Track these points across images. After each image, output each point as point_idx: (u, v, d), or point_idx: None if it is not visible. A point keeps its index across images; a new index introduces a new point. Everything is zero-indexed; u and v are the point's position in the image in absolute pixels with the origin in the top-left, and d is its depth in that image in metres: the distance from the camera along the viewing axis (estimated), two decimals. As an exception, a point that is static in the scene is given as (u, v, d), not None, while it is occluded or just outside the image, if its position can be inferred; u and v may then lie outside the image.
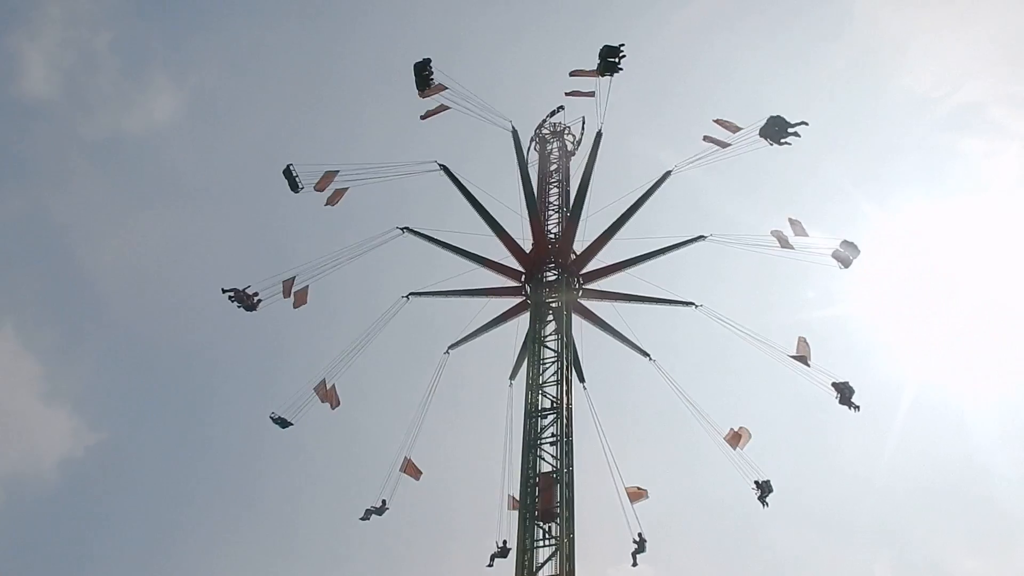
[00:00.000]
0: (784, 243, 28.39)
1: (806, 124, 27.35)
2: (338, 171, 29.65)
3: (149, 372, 66.64)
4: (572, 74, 30.01)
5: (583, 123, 33.35)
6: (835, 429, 57.18)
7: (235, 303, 28.91)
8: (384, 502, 29.91)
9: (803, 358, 27.68)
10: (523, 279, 29.52)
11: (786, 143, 27.52)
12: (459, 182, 30.00)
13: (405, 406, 30.81)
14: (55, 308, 65.73)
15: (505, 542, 28.11)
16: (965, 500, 53.40)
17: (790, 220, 28.54)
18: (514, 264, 29.59)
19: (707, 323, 28.79)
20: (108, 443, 63.63)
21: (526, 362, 27.51)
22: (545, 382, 26.75)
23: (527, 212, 30.02)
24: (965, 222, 56.69)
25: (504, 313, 29.91)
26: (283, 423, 29.34)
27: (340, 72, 73.18)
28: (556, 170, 32.54)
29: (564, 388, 26.30)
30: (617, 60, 28.49)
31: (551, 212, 31.16)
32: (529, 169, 31.70)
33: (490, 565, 28.38)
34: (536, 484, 24.28)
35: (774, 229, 28.50)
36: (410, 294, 30.09)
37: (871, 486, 52.16)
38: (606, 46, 28.46)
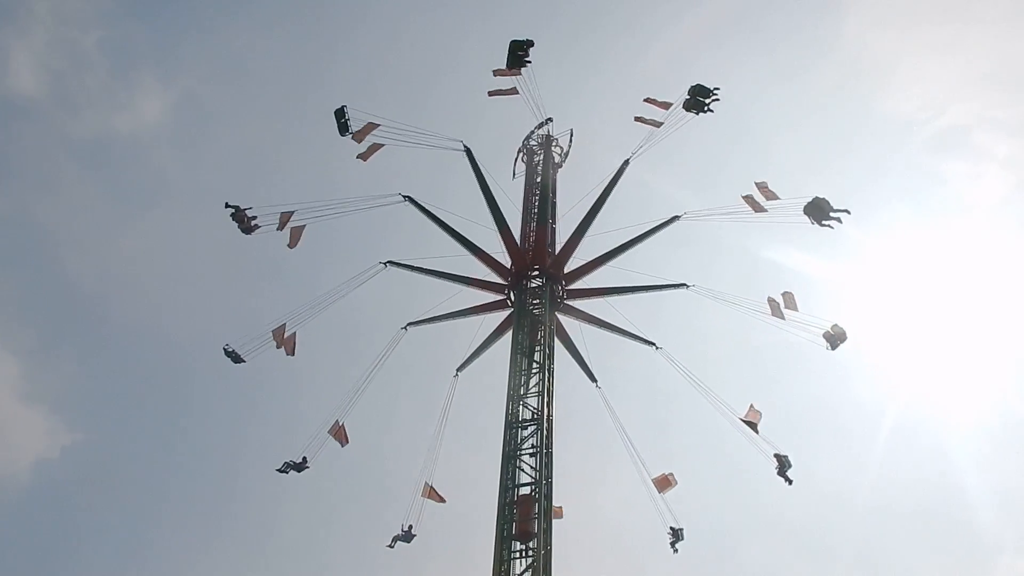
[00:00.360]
0: (776, 312, 28.65)
1: (848, 212, 27.13)
2: (379, 124, 29.60)
3: (128, 374, 66.06)
4: (646, 101, 29.78)
5: (571, 136, 33.58)
6: (815, 450, 57.27)
7: (234, 221, 28.76)
8: (305, 459, 29.73)
9: (753, 424, 28.03)
10: (507, 289, 29.51)
11: (827, 225, 27.28)
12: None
13: (355, 372, 30.63)
14: (35, 308, 65.13)
15: (411, 527, 29.12)
16: (942, 522, 53.80)
17: (783, 294, 28.82)
18: (496, 279, 29.63)
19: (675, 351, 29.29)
20: (84, 444, 63.11)
21: (508, 373, 27.33)
22: (527, 393, 26.70)
23: (521, 223, 30.45)
24: (947, 245, 57.23)
25: (479, 306, 29.92)
26: (235, 357, 29.03)
27: (331, 77, 73.15)
28: (538, 184, 32.55)
29: (546, 400, 26.27)
30: (707, 102, 28.25)
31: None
32: (517, 180, 32.34)
33: (390, 546, 29.13)
34: (515, 502, 24.00)
35: (769, 296, 28.82)
36: (388, 262, 29.86)
37: (852, 506, 52.37)
38: (699, 85, 28.19)
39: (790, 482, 27.95)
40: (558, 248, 30.05)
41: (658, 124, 29.51)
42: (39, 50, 67.10)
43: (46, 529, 57.48)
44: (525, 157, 33.28)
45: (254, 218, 28.98)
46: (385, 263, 29.84)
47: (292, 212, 29.12)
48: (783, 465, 27.97)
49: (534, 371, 27.12)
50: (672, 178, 30.74)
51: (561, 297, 29.52)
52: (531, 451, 25.34)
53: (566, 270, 29.66)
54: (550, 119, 33.70)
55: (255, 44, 74.02)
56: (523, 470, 25.07)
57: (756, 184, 28.97)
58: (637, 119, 29.78)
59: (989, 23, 64.76)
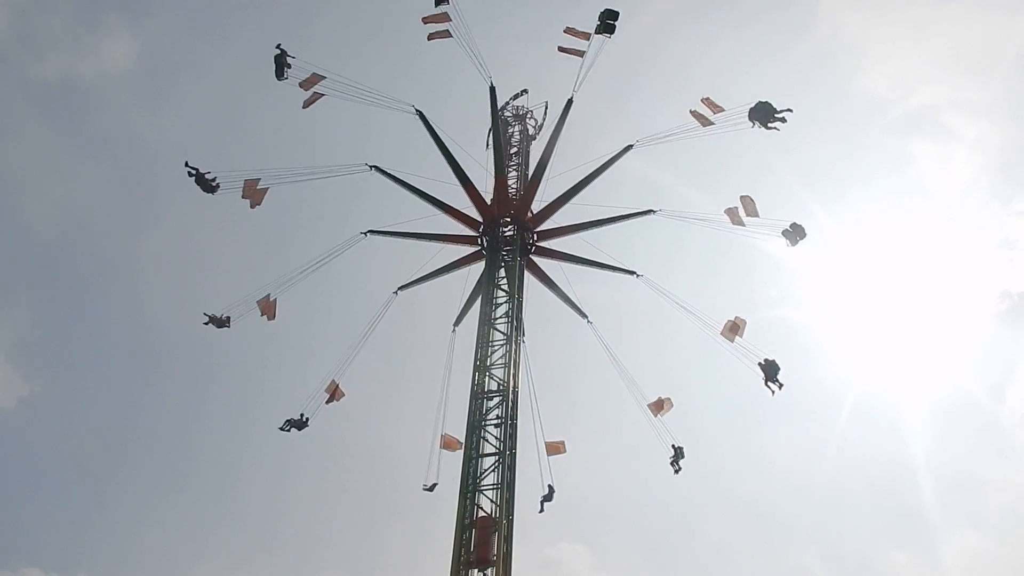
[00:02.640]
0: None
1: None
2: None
3: (88, 325, 65.18)
4: (703, 101, 29.48)
5: (546, 108, 33.58)
6: (776, 430, 58.44)
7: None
8: (228, 319, 30.04)
9: (660, 407, 28.89)
10: (480, 229, 30.01)
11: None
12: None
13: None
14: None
15: (306, 418, 29.78)
16: (894, 499, 55.16)
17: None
18: (475, 215, 30.02)
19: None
20: (43, 395, 62.41)
21: (475, 343, 27.57)
22: (493, 364, 26.93)
23: (494, 167, 30.71)
24: (912, 227, 58.03)
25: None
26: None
27: (305, 30, 71.65)
28: (516, 153, 32.61)
29: (511, 371, 26.51)
30: (775, 121, 28.29)
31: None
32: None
33: (283, 429, 29.64)
34: (474, 526, 23.71)
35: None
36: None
37: (809, 485, 53.50)
38: (767, 103, 28.18)
39: (678, 471, 28.65)
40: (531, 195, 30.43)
41: (708, 123, 29.29)
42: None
43: (2, 479, 56.99)
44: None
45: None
46: (371, 166, 30.05)
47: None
48: (677, 455, 28.70)
49: (501, 342, 27.36)
50: (648, 153, 30.90)
51: (532, 243, 30.08)
52: (496, 422, 25.61)
53: (533, 212, 30.20)
54: (525, 90, 33.76)
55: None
56: (487, 440, 25.38)
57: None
58: (692, 113, 29.40)
59: (959, 6, 65.34)
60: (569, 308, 30.46)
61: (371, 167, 30.13)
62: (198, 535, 57.96)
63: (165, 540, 55.15)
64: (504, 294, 28.55)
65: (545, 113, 33.55)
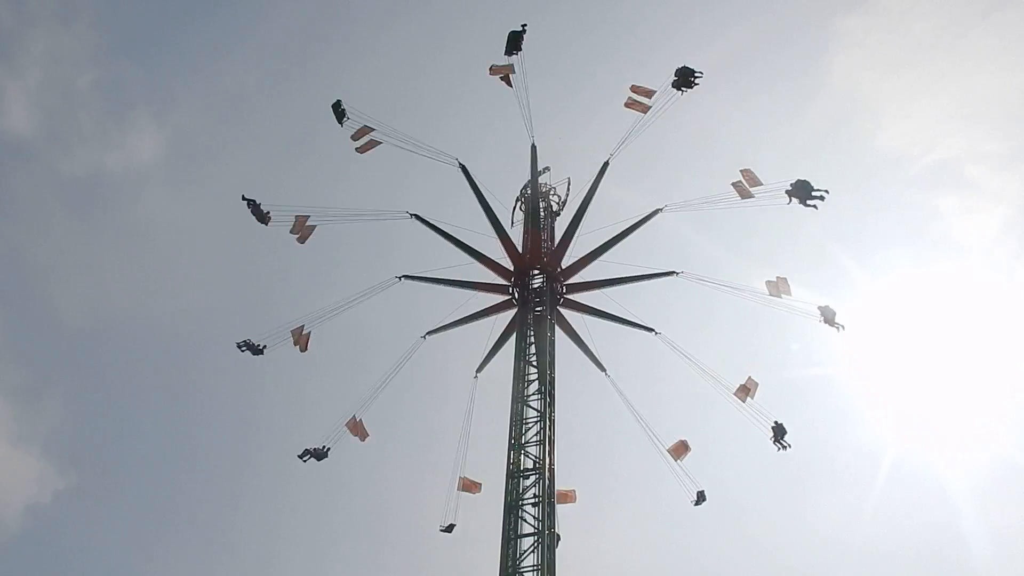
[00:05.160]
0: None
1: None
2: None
3: (121, 418, 65.63)
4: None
5: (568, 184, 33.98)
6: (812, 493, 57.06)
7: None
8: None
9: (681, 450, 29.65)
10: (512, 279, 30.90)
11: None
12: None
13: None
14: (26, 348, 64.71)
15: (328, 448, 31.26)
16: (942, 565, 53.23)
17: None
18: (508, 265, 31.11)
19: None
20: (77, 489, 62.43)
21: (508, 421, 27.48)
22: (528, 442, 26.77)
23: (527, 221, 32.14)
24: (944, 283, 57.28)
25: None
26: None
27: (326, 118, 73.28)
28: (542, 228, 32.93)
29: (547, 448, 26.35)
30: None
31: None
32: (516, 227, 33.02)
33: (302, 458, 31.18)
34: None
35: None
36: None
37: (848, 550, 52.00)
38: (805, 181, 28.89)
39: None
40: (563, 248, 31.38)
41: (748, 195, 30.02)
42: (33, 89, 67.74)
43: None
44: (524, 206, 33.62)
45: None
46: (411, 215, 31.65)
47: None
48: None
49: (535, 419, 27.23)
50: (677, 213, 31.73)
51: (561, 293, 30.82)
52: (533, 501, 25.40)
53: (563, 266, 31.07)
54: (547, 168, 34.23)
55: (248, 84, 74.53)
56: (525, 520, 25.07)
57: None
58: (734, 185, 30.02)
59: (971, 60, 65.64)
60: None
61: (411, 215, 31.59)
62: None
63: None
64: (535, 370, 28.55)
65: (567, 189, 34.01)
